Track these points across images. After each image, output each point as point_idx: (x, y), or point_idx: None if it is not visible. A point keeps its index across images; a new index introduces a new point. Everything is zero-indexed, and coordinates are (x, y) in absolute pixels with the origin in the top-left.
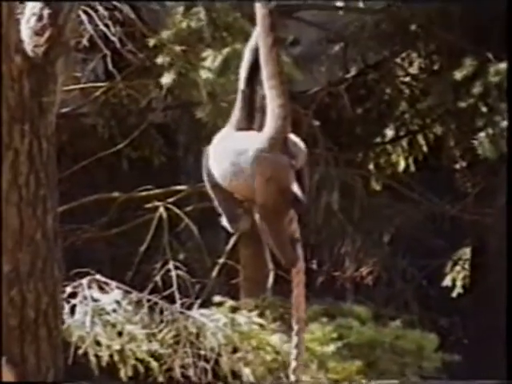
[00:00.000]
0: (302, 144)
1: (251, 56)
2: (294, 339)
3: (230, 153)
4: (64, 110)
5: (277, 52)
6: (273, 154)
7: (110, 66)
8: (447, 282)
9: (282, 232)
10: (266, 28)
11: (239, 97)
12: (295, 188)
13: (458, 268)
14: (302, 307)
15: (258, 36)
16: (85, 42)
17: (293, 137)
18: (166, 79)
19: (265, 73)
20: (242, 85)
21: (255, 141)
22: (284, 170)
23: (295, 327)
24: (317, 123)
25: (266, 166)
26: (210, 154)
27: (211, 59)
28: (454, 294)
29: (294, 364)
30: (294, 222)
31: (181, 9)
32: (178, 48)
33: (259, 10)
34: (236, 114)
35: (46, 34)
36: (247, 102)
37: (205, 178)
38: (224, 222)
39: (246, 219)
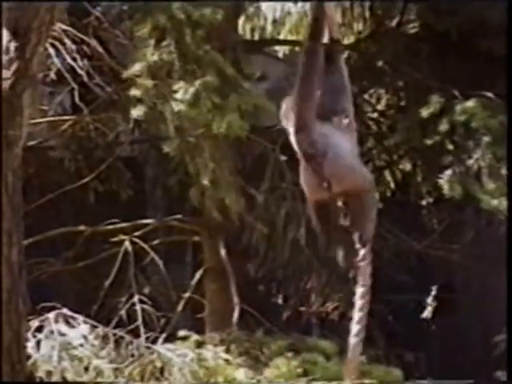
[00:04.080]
0: None
1: None
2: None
3: None
4: (31, 143)
5: None
6: None
7: (78, 100)
8: (427, 313)
9: None
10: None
11: None
12: None
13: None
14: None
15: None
16: (52, 75)
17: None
18: (138, 112)
19: None
20: None
21: None
22: None
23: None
24: (284, 158)
25: None
26: None
27: (183, 91)
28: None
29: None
30: None
31: (152, 42)
32: (149, 81)
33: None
34: None
35: (13, 67)
36: None
37: None
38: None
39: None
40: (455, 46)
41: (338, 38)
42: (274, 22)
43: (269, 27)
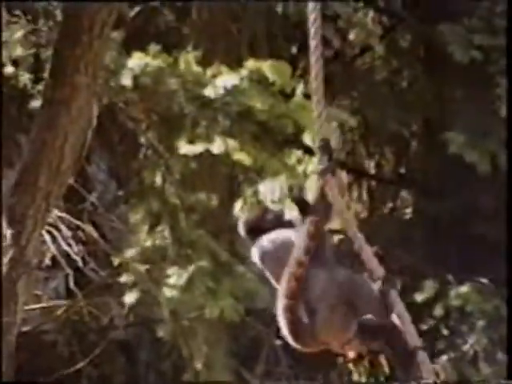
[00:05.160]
0: None
1: None
2: None
3: None
4: (24, 329)
5: None
6: None
7: (72, 285)
8: None
9: None
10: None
11: None
12: None
13: None
14: None
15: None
16: (47, 260)
17: None
18: (130, 298)
19: None
20: None
21: None
22: None
23: None
24: (279, 342)
25: None
26: None
27: (176, 277)
28: None
29: None
30: None
31: (145, 227)
32: (141, 267)
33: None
34: None
35: (8, 255)
36: None
37: None
38: None
39: None
40: (448, 232)
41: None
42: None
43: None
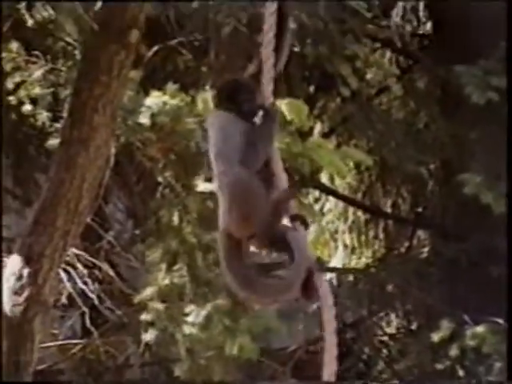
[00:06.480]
0: None
1: None
2: None
3: None
4: (40, 367)
5: None
6: None
7: (88, 323)
8: None
9: None
10: None
11: None
12: None
13: None
14: None
15: None
16: (63, 299)
17: None
18: (149, 336)
19: None
20: None
21: None
22: None
23: None
24: (293, 382)
25: None
26: None
27: (194, 314)
28: None
29: None
30: None
31: (163, 266)
32: (160, 305)
33: None
34: None
35: (25, 294)
36: None
37: None
38: None
39: None
40: (465, 272)
41: None
42: None
43: None
